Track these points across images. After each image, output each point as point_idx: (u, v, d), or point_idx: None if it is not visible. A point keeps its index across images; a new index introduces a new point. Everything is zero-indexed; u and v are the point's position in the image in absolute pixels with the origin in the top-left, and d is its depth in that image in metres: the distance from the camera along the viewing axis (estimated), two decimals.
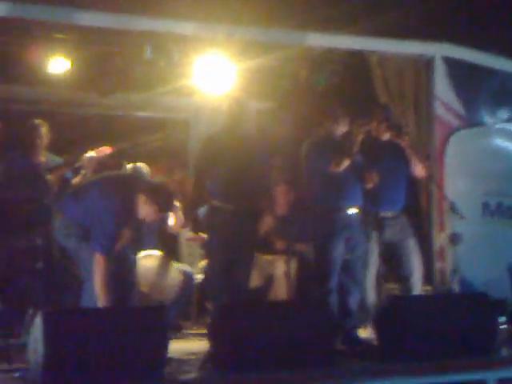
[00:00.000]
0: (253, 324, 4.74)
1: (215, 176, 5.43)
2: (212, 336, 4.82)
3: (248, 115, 5.70)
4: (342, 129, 5.71)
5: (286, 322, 4.82)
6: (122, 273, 5.08)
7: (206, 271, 5.84)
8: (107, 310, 4.76)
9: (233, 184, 5.38)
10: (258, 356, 4.64)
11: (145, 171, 6.26)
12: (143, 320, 4.51)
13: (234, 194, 5.40)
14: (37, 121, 6.23)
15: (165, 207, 5.06)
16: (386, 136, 5.89)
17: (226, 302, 5.18)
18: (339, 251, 5.56)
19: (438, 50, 6.72)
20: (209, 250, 5.70)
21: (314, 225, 5.76)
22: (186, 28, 6.20)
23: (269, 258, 6.49)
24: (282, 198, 6.65)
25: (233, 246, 5.42)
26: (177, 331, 6.12)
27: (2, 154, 6.11)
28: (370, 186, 5.61)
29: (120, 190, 4.95)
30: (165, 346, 4.50)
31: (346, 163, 5.49)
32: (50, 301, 5.32)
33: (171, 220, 6.11)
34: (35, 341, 4.28)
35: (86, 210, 4.86)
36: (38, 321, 4.25)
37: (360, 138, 5.56)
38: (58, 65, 6.29)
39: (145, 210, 4.89)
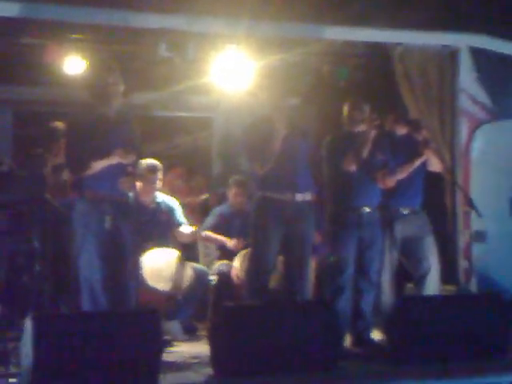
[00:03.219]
0: (251, 327, 4.57)
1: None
2: (211, 339, 4.66)
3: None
4: (359, 126, 5.50)
5: (289, 323, 4.66)
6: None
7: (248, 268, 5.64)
8: (100, 313, 4.66)
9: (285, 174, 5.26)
10: (259, 359, 4.49)
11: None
12: (137, 325, 4.38)
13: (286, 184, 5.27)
14: (56, 123, 6.18)
15: None
16: (402, 131, 5.76)
17: (226, 303, 5.01)
18: (350, 250, 5.40)
19: (464, 41, 6.39)
20: (254, 243, 5.46)
21: (327, 222, 5.58)
22: (202, 24, 6.04)
23: None
24: None
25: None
26: (191, 333, 6.05)
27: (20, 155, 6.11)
28: (381, 185, 5.47)
29: None
30: (159, 352, 4.36)
31: (355, 164, 5.30)
32: (53, 304, 5.24)
33: (186, 228, 6.11)
34: (26, 344, 4.18)
35: None
36: (29, 323, 4.15)
37: (371, 134, 5.33)
38: (73, 65, 6.17)
39: None
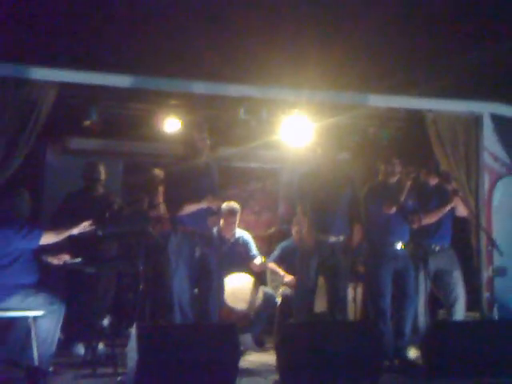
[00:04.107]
0: (311, 341, 4.53)
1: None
2: (278, 351, 4.63)
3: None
4: (396, 176, 5.47)
5: (341, 339, 4.60)
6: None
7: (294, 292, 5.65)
8: (190, 325, 4.70)
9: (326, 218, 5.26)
10: (317, 369, 4.44)
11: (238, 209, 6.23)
12: (219, 336, 4.40)
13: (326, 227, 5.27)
14: (156, 171, 6.28)
15: None
16: (434, 182, 5.72)
17: (289, 321, 4.98)
18: (388, 278, 5.32)
19: (486, 108, 6.30)
20: (299, 273, 5.46)
21: (368, 255, 5.51)
22: (272, 93, 6.09)
23: None
24: (357, 234, 6.47)
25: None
26: (260, 345, 6.02)
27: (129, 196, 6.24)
28: (415, 226, 5.39)
29: None
30: (236, 358, 4.36)
31: (394, 207, 5.26)
32: (152, 316, 5.28)
33: (258, 260, 6.17)
34: (132, 349, 4.24)
35: None
36: (133, 332, 4.21)
37: (408, 184, 5.31)
38: (171, 125, 6.28)
39: None
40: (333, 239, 5.30)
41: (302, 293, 5.34)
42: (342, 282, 5.35)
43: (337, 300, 5.30)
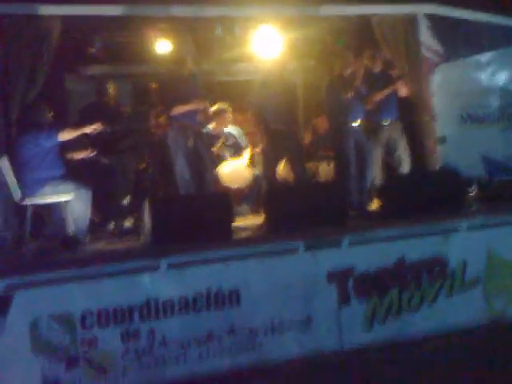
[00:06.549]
0: (291, 200, 4.43)
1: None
2: (265, 209, 4.57)
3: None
4: (348, 69, 5.34)
5: (314, 197, 4.49)
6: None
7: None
8: (191, 195, 4.60)
9: (281, 114, 5.22)
10: (295, 220, 4.33)
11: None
12: (217, 202, 4.31)
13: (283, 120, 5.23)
14: (153, 84, 6.06)
15: None
16: (379, 68, 5.63)
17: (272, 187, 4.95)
18: (351, 148, 5.29)
19: (421, 9, 5.99)
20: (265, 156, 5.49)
21: (334, 133, 5.44)
22: (244, 11, 5.74)
23: (313, 163, 6.28)
24: (322, 124, 6.40)
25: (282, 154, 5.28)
26: (256, 213, 5.95)
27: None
28: (368, 107, 5.35)
29: None
30: (231, 218, 4.32)
31: (351, 93, 5.19)
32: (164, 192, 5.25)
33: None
34: (147, 216, 4.19)
35: None
36: (147, 204, 4.16)
37: (361, 72, 5.14)
38: (162, 46, 5.97)
39: None
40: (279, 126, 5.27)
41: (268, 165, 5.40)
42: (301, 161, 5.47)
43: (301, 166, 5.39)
